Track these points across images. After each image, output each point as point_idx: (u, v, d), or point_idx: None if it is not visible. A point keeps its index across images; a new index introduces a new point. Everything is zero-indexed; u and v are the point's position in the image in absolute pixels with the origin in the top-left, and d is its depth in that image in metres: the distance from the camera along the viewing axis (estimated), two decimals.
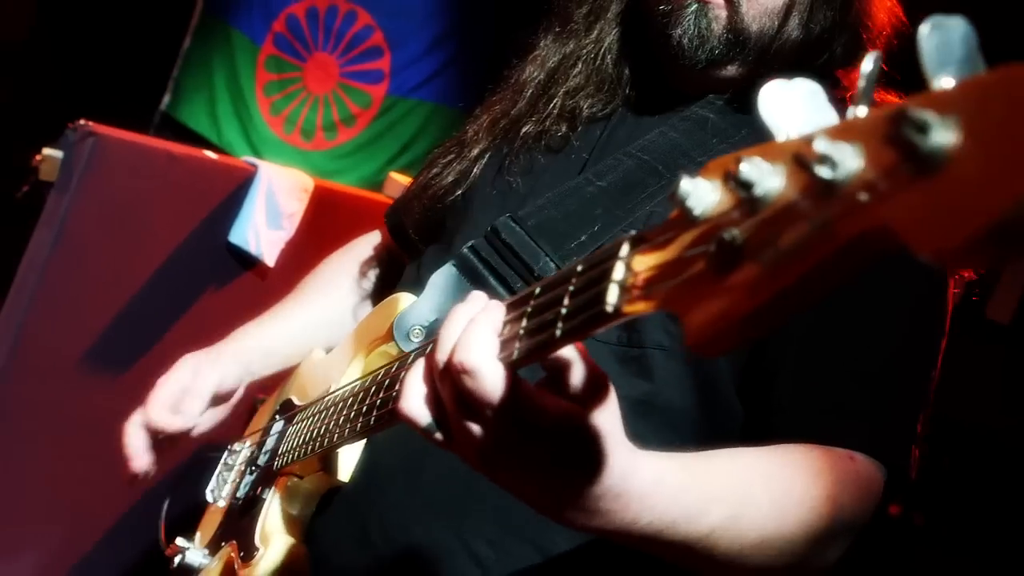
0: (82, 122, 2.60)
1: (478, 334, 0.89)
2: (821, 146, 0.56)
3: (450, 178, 1.65)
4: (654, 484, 0.97)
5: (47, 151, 2.59)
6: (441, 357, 0.92)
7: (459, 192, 1.63)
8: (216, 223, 3.01)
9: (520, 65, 1.71)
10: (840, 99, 1.39)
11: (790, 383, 1.31)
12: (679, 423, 1.36)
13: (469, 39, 6.66)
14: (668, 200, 0.70)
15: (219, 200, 3.00)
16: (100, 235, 2.73)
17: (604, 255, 0.79)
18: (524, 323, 0.88)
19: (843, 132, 0.58)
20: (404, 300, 1.46)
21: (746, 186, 0.61)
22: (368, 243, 1.99)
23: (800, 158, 0.58)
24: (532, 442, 0.89)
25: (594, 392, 0.90)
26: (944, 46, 0.55)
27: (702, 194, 0.66)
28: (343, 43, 6.81)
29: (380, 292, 1.92)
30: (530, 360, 0.87)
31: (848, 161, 0.55)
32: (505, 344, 0.89)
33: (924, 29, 0.55)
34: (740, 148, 1.40)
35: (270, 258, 3.09)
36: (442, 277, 1.43)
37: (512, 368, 0.88)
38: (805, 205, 0.58)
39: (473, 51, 6.61)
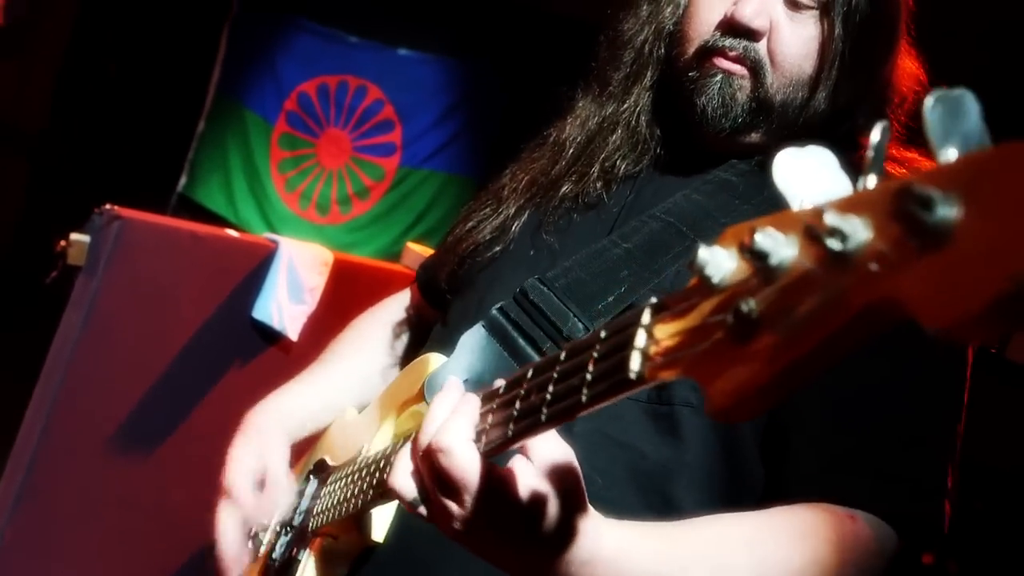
0: (108, 206, 2.66)
1: (454, 421, 1.02)
2: (831, 219, 0.58)
3: (487, 233, 1.67)
4: (623, 551, 1.07)
5: (74, 236, 2.64)
6: (423, 439, 1.04)
7: (496, 248, 1.65)
8: (239, 300, 3.05)
9: (559, 124, 1.75)
10: (856, 162, 1.41)
11: (799, 442, 1.33)
12: (706, 483, 1.37)
13: (477, 109, 6.77)
14: (687, 268, 0.72)
15: (242, 277, 3.04)
16: (127, 315, 2.77)
17: (625, 322, 0.83)
18: (517, 406, 0.97)
19: (852, 205, 0.60)
20: (434, 360, 1.48)
21: (761, 256, 0.64)
22: (397, 303, 2.01)
23: (811, 230, 0.61)
24: (503, 518, 1.01)
25: (562, 468, 1.01)
26: (948, 118, 0.58)
27: (720, 262, 0.69)
28: (355, 118, 6.92)
29: (409, 351, 1.93)
30: (522, 439, 0.98)
31: (857, 233, 0.57)
32: (492, 428, 1.00)
33: (928, 102, 0.58)
34: (762, 209, 1.44)
35: (293, 332, 3.12)
36: (472, 338, 1.45)
37: (501, 450, 0.99)
38: (818, 276, 0.60)
39: (482, 120, 6.71)
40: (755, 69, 1.50)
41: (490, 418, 1.03)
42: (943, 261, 0.52)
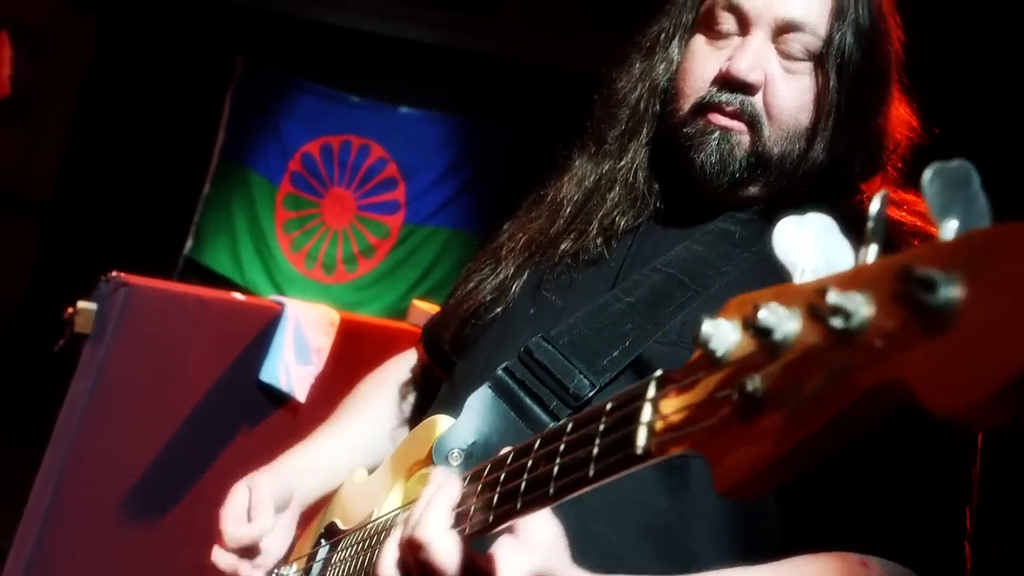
0: (114, 274, 2.67)
1: (430, 513, 1.06)
2: (834, 297, 0.58)
3: (487, 293, 1.67)
4: None
5: (81, 304, 2.65)
6: (405, 532, 1.09)
7: (497, 308, 1.65)
8: (246, 363, 3.05)
9: (555, 183, 1.74)
10: (856, 214, 1.41)
11: (812, 489, 1.30)
12: (722, 532, 1.36)
13: (480, 165, 6.82)
14: (691, 342, 0.72)
15: (249, 340, 3.05)
16: (135, 381, 2.78)
17: (631, 395, 0.84)
18: (504, 487, 1.00)
19: (854, 281, 0.60)
20: (442, 423, 1.48)
21: (765, 332, 0.64)
22: (403, 363, 2.00)
23: (814, 308, 0.61)
24: None
25: (550, 547, 1.02)
26: (947, 190, 0.58)
27: (724, 335, 0.69)
28: (358, 177, 6.97)
29: (417, 411, 1.93)
30: (509, 521, 0.99)
31: (860, 311, 0.57)
32: (478, 511, 1.02)
33: (926, 175, 0.58)
34: (762, 256, 1.44)
35: (301, 394, 3.12)
36: (478, 399, 1.45)
37: (488, 531, 1.02)
38: (822, 353, 0.60)
39: (485, 175, 6.76)
40: (752, 123, 1.51)
41: (477, 500, 1.05)
42: (948, 344, 0.52)
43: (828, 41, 1.50)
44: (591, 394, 1.38)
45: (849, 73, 1.50)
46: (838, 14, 1.51)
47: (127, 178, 7.22)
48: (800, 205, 1.50)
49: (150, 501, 2.85)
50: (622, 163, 1.67)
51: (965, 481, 1.34)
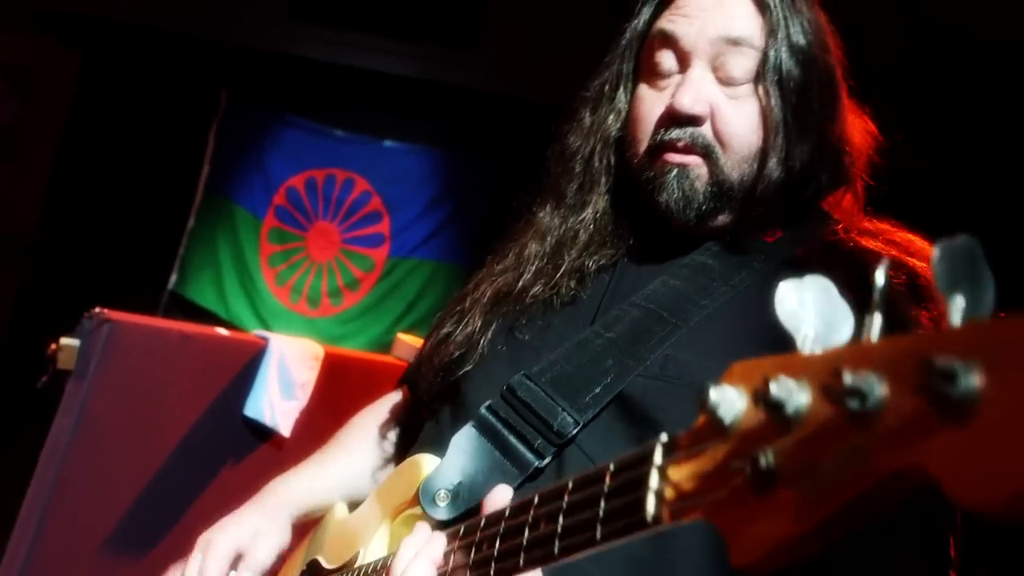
0: (97, 310, 2.66)
1: (417, 566, 1.09)
2: (849, 378, 0.58)
3: (455, 348, 1.66)
4: None
5: (64, 340, 2.64)
6: None
7: (468, 362, 1.63)
8: (231, 398, 3.05)
9: (520, 239, 1.74)
10: (846, 262, 1.42)
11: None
12: (708, 566, 1.34)
13: (464, 197, 6.84)
14: (697, 408, 0.72)
15: (232, 375, 3.04)
16: (118, 418, 2.77)
17: (636, 459, 0.84)
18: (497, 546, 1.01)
19: (867, 360, 0.60)
20: (426, 463, 1.48)
21: (776, 406, 0.63)
22: (391, 402, 1.99)
23: (828, 388, 0.60)
24: None
25: None
26: (954, 268, 0.59)
27: (731, 403, 0.69)
28: (343, 210, 6.99)
29: (402, 449, 1.91)
30: None
31: (875, 392, 0.58)
32: (472, 568, 1.05)
33: (935, 253, 0.59)
34: (739, 289, 1.45)
35: (285, 429, 3.12)
36: (463, 439, 1.45)
37: None
38: (837, 433, 0.60)
39: (470, 207, 6.78)
40: (707, 154, 1.52)
41: (472, 557, 1.06)
42: (971, 435, 0.52)
43: (764, 58, 1.52)
44: (575, 431, 1.38)
45: (790, 89, 1.52)
46: (770, 32, 1.53)
47: (111, 213, 7.21)
48: (772, 225, 1.53)
49: (134, 538, 2.83)
50: (583, 215, 1.68)
51: (948, 511, 1.33)
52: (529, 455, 1.39)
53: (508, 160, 6.53)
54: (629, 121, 1.64)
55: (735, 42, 1.52)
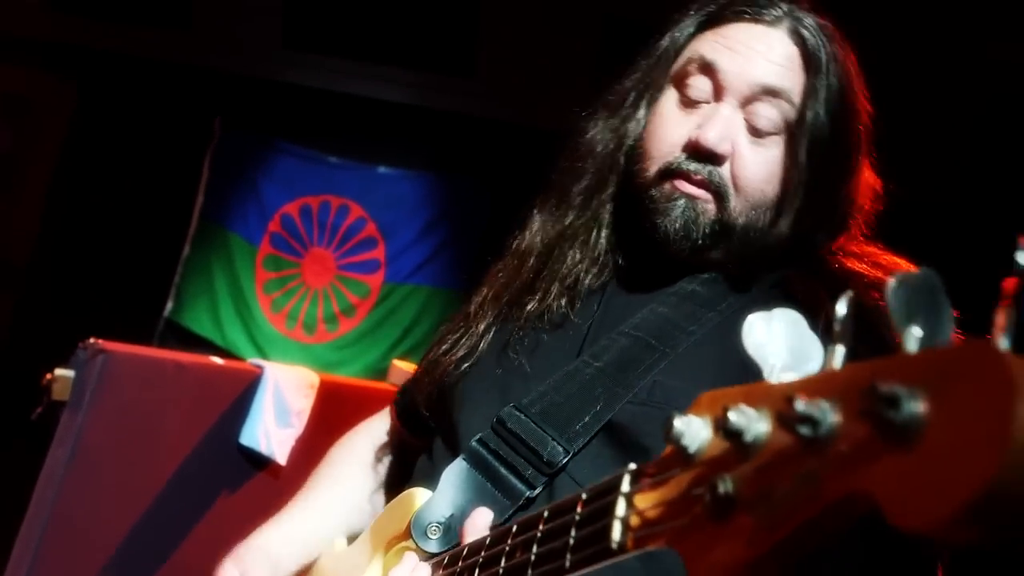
0: (92, 340, 2.67)
1: None
2: (801, 405, 0.59)
3: (459, 353, 1.66)
4: None
5: (59, 371, 2.64)
6: None
7: (467, 366, 1.64)
8: (226, 427, 3.04)
9: (520, 235, 1.75)
10: (830, 284, 1.43)
11: None
12: None
13: (459, 222, 6.85)
14: (663, 438, 0.72)
15: (228, 404, 3.04)
16: (114, 448, 2.76)
17: (606, 487, 0.85)
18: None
19: (821, 388, 0.61)
20: (419, 496, 1.48)
21: (735, 434, 0.64)
22: (377, 426, 1.99)
23: (782, 415, 0.61)
24: None
25: None
26: (910, 299, 0.60)
27: (695, 432, 0.70)
28: (338, 236, 7.00)
29: (392, 475, 1.92)
30: None
31: (827, 419, 0.58)
32: None
33: (891, 284, 0.60)
34: (727, 315, 1.45)
35: (281, 457, 3.11)
36: (454, 472, 1.45)
37: None
38: (792, 459, 0.61)
39: (464, 233, 6.79)
40: (718, 194, 1.52)
41: None
42: (913, 461, 0.53)
43: (800, 117, 1.51)
44: (565, 460, 1.39)
45: (818, 150, 1.51)
46: (810, 90, 1.52)
47: (107, 242, 7.21)
48: (763, 269, 1.54)
49: (131, 569, 2.82)
50: (584, 218, 1.68)
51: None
52: (520, 486, 1.40)
53: (502, 185, 6.54)
54: (647, 133, 1.63)
55: (774, 92, 1.51)
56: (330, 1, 6.67)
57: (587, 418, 1.40)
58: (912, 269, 0.63)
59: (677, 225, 1.52)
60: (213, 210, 7.18)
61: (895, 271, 1.52)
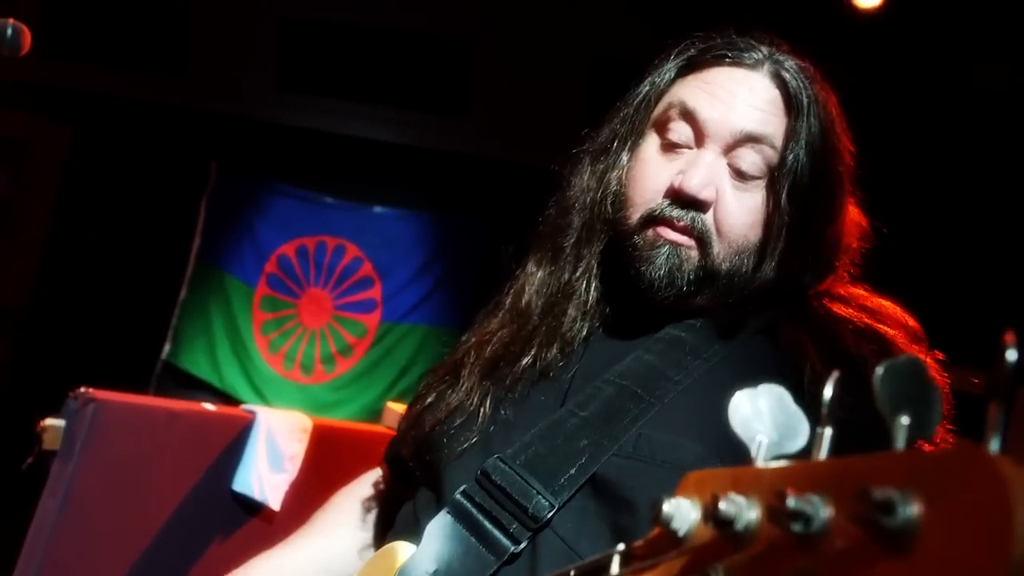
0: (82, 389, 2.66)
1: None
2: (792, 502, 0.58)
3: (445, 410, 1.63)
4: None
5: (49, 421, 2.63)
6: None
7: (456, 422, 1.61)
8: (219, 473, 3.03)
9: (514, 291, 1.73)
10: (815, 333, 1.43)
11: None
12: None
13: (454, 261, 6.87)
14: (650, 520, 0.71)
15: (220, 450, 3.03)
16: (105, 497, 2.75)
17: (593, 568, 0.83)
18: None
19: (811, 481, 0.59)
20: (402, 551, 1.46)
21: (725, 524, 0.63)
22: (371, 481, 1.97)
23: (773, 510, 0.60)
24: None
25: None
26: (898, 388, 0.59)
27: (684, 515, 0.68)
28: (334, 277, 7.01)
29: (383, 529, 1.90)
30: None
31: (820, 514, 0.57)
32: None
33: (879, 372, 0.59)
34: (713, 362, 1.44)
35: (275, 502, 3.10)
36: (438, 526, 1.42)
37: None
38: (785, 554, 0.59)
39: (460, 271, 6.81)
40: (702, 240, 1.51)
41: None
42: (911, 567, 0.52)
43: (781, 161, 1.51)
44: (550, 514, 1.36)
45: (801, 193, 1.51)
46: (792, 133, 1.52)
47: (104, 284, 7.22)
48: (749, 314, 1.53)
49: None
50: (578, 272, 1.66)
51: None
52: (505, 540, 1.37)
53: (497, 222, 6.56)
54: (629, 179, 1.62)
55: (756, 139, 1.51)
56: (324, 43, 6.71)
57: (572, 470, 1.38)
58: (902, 353, 0.62)
59: (661, 272, 1.51)
60: (209, 252, 7.20)
61: (883, 314, 1.53)
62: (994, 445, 0.53)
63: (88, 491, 2.71)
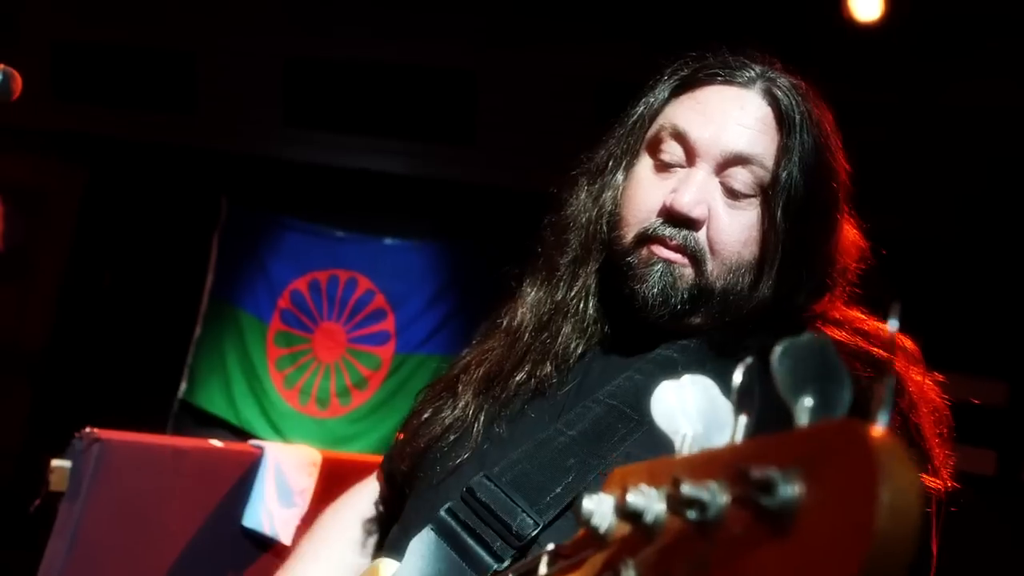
0: (88, 430, 2.66)
1: None
2: (687, 488, 0.57)
3: (440, 427, 1.64)
4: None
5: (55, 462, 2.64)
6: None
7: (451, 438, 1.61)
8: (229, 509, 3.03)
9: (510, 311, 1.74)
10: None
11: None
12: None
13: (466, 289, 6.86)
14: (574, 517, 0.70)
15: (229, 487, 3.03)
16: (114, 537, 2.75)
17: (524, 569, 0.84)
18: None
19: (708, 468, 0.59)
20: (385, 568, 1.46)
21: (635, 516, 0.61)
22: (364, 495, 1.95)
23: (671, 499, 0.59)
24: None
25: None
26: (796, 368, 0.58)
27: (605, 512, 0.67)
28: (347, 310, 7.02)
29: (376, 548, 1.89)
30: None
31: (716, 501, 0.56)
32: None
33: (775, 353, 0.58)
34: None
35: (286, 537, 3.09)
36: (421, 543, 1.42)
37: None
38: (686, 543, 0.59)
39: (472, 300, 6.80)
40: (695, 258, 1.52)
41: None
42: (790, 548, 0.51)
43: (774, 178, 1.51)
44: (535, 533, 1.36)
45: (795, 210, 1.50)
46: (784, 151, 1.52)
47: (120, 324, 7.27)
48: (744, 334, 1.52)
49: None
50: (574, 291, 1.67)
51: None
52: (488, 558, 1.36)
53: (507, 250, 6.55)
54: (623, 199, 1.63)
55: (747, 159, 1.51)
56: (328, 78, 6.75)
57: (558, 489, 1.38)
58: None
59: (655, 290, 1.52)
60: (223, 289, 7.23)
61: (878, 338, 1.51)
62: (881, 421, 0.51)
63: (96, 531, 2.71)
